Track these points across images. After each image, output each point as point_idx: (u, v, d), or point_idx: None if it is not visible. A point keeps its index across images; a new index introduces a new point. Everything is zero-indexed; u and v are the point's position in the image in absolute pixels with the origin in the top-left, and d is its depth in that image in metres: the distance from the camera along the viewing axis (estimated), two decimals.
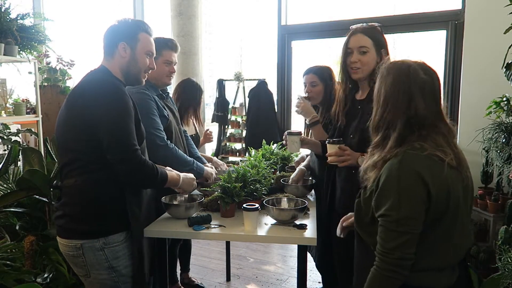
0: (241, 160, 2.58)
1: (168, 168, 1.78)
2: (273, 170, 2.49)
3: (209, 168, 2.27)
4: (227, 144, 5.46)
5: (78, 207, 1.52)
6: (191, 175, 1.85)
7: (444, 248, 1.16)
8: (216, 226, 1.79)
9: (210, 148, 5.87)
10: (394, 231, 1.10)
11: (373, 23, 1.82)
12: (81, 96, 1.52)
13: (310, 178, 2.40)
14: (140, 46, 1.63)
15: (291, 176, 2.32)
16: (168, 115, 2.21)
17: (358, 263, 1.37)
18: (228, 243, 3.12)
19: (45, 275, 1.93)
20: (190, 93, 2.82)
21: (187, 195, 1.99)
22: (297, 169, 2.36)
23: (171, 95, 2.51)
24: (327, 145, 1.76)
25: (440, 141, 1.15)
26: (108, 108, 1.47)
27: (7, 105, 3.32)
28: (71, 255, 1.55)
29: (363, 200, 1.23)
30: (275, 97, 4.85)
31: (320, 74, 2.36)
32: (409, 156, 1.11)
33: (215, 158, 2.80)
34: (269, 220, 1.86)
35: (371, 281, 1.14)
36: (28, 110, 3.39)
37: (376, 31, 1.80)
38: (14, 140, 2.95)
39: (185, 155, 2.20)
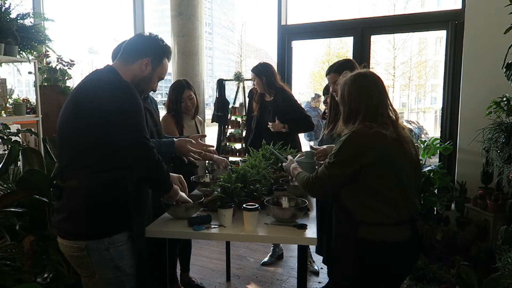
0: (241, 160, 2.57)
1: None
2: (273, 170, 2.49)
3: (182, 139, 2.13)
4: (227, 144, 5.46)
5: (82, 208, 1.51)
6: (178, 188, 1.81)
7: (391, 207, 1.56)
8: (216, 226, 1.79)
9: None
10: (325, 168, 1.59)
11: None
12: (90, 95, 1.49)
13: None
14: (159, 70, 1.67)
15: None
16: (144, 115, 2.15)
17: (336, 229, 1.80)
18: (228, 243, 3.12)
19: (45, 275, 1.93)
20: (177, 92, 2.78)
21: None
22: None
23: (152, 96, 2.47)
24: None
25: (386, 122, 1.59)
26: (124, 108, 1.46)
27: (7, 105, 3.32)
28: (75, 256, 1.53)
29: None
30: None
31: (341, 71, 2.28)
32: (360, 130, 1.57)
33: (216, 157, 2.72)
34: (269, 220, 1.86)
35: (301, 179, 1.73)
36: (28, 110, 3.38)
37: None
38: (14, 140, 2.94)
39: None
